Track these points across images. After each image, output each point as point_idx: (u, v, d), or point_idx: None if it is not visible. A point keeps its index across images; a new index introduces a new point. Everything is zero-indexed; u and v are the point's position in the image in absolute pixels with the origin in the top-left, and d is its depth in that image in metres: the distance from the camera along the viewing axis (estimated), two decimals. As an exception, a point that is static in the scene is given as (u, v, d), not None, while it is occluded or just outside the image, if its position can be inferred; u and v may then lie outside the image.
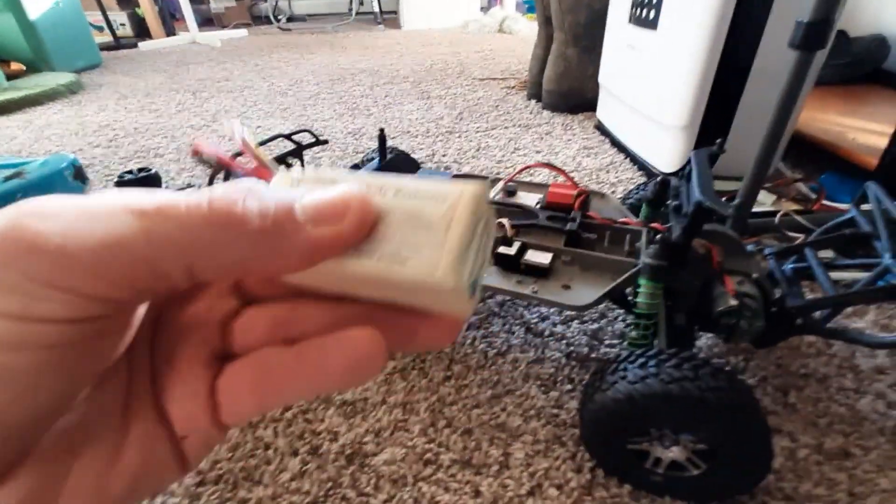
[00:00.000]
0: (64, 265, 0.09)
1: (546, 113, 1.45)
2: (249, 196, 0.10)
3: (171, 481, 0.13)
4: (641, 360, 0.40)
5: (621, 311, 0.65)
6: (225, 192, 0.10)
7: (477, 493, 0.45)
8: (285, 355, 0.13)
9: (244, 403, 0.13)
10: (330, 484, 0.46)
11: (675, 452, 0.41)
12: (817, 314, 0.48)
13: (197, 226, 0.10)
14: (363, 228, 0.11)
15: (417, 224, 0.12)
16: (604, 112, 1.26)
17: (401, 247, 0.11)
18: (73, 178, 0.90)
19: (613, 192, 0.98)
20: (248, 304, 0.14)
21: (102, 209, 0.10)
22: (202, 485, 0.46)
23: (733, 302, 0.46)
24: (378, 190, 0.12)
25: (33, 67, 1.97)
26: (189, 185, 0.91)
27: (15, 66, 1.93)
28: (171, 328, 0.13)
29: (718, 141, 0.55)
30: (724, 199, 0.69)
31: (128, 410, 0.12)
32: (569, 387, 0.55)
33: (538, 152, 1.18)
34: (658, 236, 0.48)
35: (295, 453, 0.49)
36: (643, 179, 1.02)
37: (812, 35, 0.51)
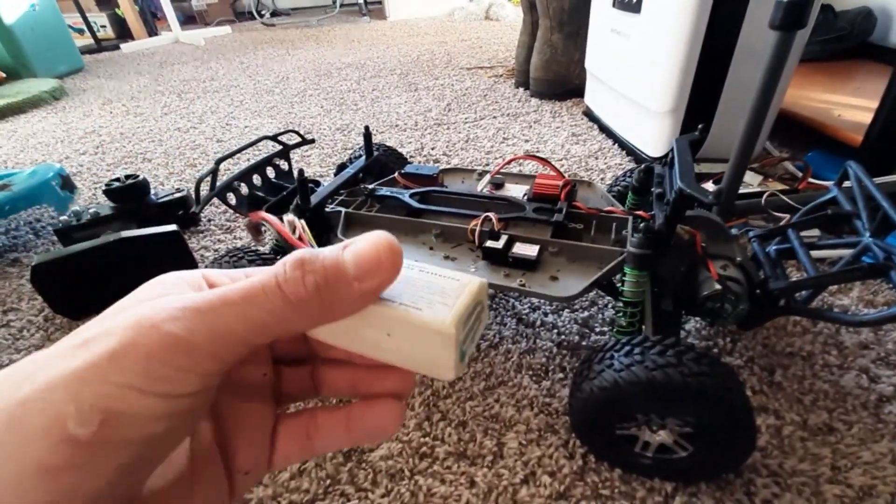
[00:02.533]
0: (193, 354, 0.12)
1: (534, 101, 1.45)
2: (308, 271, 0.13)
3: None
4: (627, 348, 0.41)
5: (611, 298, 0.66)
6: (290, 272, 0.13)
7: (472, 484, 0.46)
8: (335, 416, 0.17)
9: (295, 452, 0.17)
10: (329, 481, 0.47)
11: (662, 436, 0.43)
12: (800, 295, 0.49)
13: (279, 308, 0.13)
14: (395, 272, 0.14)
15: (434, 290, 0.15)
16: (591, 98, 1.26)
17: (419, 301, 0.15)
18: (62, 189, 0.90)
19: (602, 179, 0.98)
20: (279, 363, 0.18)
21: (207, 305, 0.13)
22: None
23: (717, 286, 0.47)
24: (409, 266, 0.16)
25: (14, 74, 1.94)
26: (178, 191, 0.91)
27: (-4, 74, 1.90)
28: (233, 388, 0.16)
29: (700, 127, 0.56)
30: (711, 180, 0.70)
31: (196, 455, 0.15)
32: (560, 375, 0.56)
33: (527, 141, 1.18)
34: (642, 224, 0.49)
35: (293, 452, 0.49)
36: (631, 165, 1.02)
37: (792, 15, 0.51)
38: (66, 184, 0.92)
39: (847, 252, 0.49)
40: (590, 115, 1.28)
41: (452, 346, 0.14)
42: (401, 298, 0.15)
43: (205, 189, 0.62)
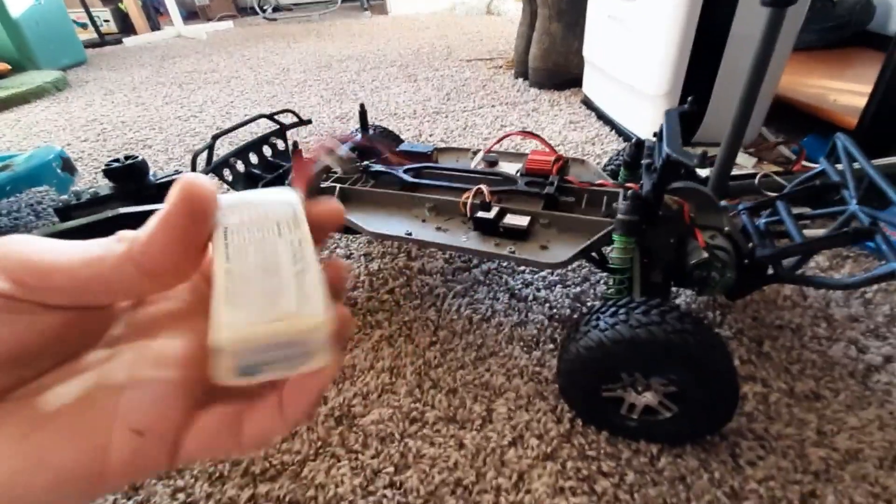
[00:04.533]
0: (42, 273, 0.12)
1: (533, 90, 1.45)
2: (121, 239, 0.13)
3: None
4: (612, 309, 0.41)
5: (604, 274, 0.67)
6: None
7: (461, 446, 0.47)
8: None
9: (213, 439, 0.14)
10: (320, 444, 0.48)
11: (647, 398, 0.43)
12: (788, 263, 0.50)
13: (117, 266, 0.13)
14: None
15: (273, 282, 0.13)
16: (589, 86, 1.26)
17: (245, 283, 0.13)
18: (62, 170, 0.91)
19: (598, 163, 0.98)
20: None
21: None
22: (197, 449, 0.48)
23: (705, 254, 0.47)
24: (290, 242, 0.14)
25: (19, 66, 1.96)
26: (177, 172, 0.92)
27: (0, 65, 1.92)
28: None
29: (690, 99, 0.56)
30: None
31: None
32: (551, 346, 0.57)
33: (525, 129, 1.18)
34: (630, 192, 0.49)
35: (286, 417, 0.50)
36: (623, 146, 1.03)
37: (782, -9, 0.51)
38: (67, 166, 0.93)
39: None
40: (588, 103, 1.28)
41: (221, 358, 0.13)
42: (237, 264, 0.13)
43: (201, 166, 0.63)
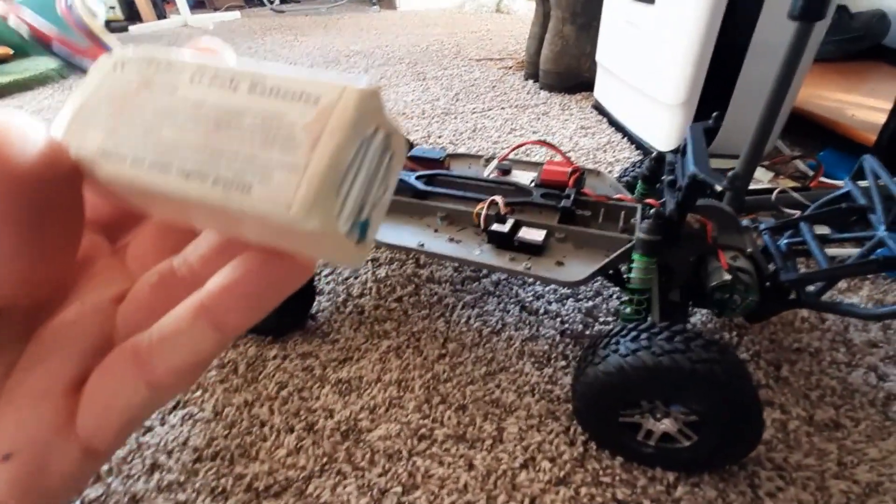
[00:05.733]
0: None
1: (543, 93, 1.43)
2: None
3: None
4: (633, 333, 0.40)
5: (616, 288, 0.65)
6: None
7: (471, 467, 0.45)
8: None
9: (123, 398, 0.10)
10: (325, 459, 0.46)
11: (666, 425, 0.42)
12: (811, 288, 0.48)
13: None
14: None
15: (273, 135, 0.08)
16: (601, 91, 1.25)
17: (246, 168, 0.08)
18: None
19: (611, 172, 0.97)
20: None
21: None
22: (199, 461, 0.47)
23: (727, 276, 0.46)
24: (227, 81, 0.09)
25: (22, 52, 1.93)
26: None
27: (2, 50, 1.89)
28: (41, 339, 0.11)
29: (715, 115, 0.55)
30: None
31: None
32: (563, 363, 0.55)
33: (535, 132, 1.17)
34: (652, 210, 0.48)
35: (291, 430, 0.49)
36: (640, 158, 1.01)
37: (811, 4, 0.50)
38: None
39: (857, 250, 0.48)
40: (599, 108, 1.26)
41: (321, 239, 0.09)
42: (214, 169, 0.09)
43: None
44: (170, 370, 0.10)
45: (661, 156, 0.59)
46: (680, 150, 0.55)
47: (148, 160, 0.09)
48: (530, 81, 1.54)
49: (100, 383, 0.11)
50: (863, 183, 0.55)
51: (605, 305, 0.64)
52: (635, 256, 0.47)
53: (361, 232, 0.09)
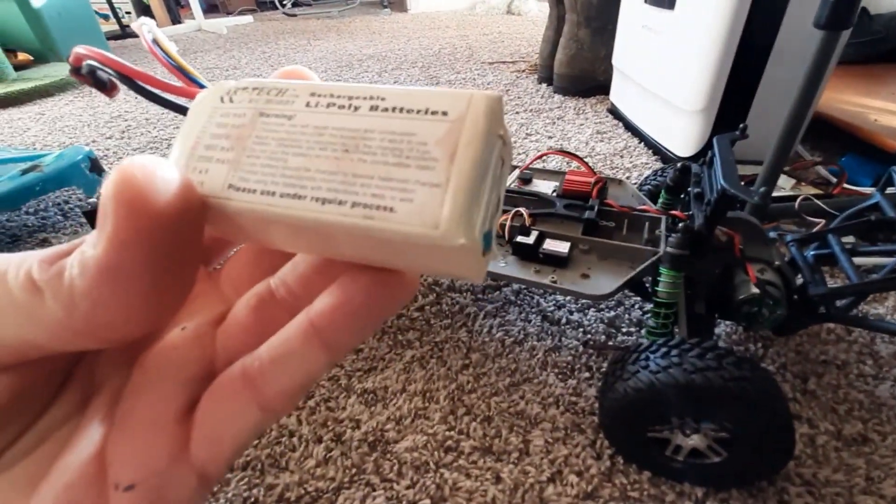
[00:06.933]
0: None
1: (557, 97, 1.43)
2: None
3: None
4: (664, 349, 0.40)
5: (638, 298, 0.65)
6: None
7: (498, 480, 0.46)
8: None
9: (238, 423, 0.11)
10: (354, 470, 0.47)
11: (695, 440, 0.42)
12: (840, 302, 0.48)
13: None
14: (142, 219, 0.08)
15: (406, 154, 0.08)
16: (617, 95, 1.24)
17: (383, 189, 0.08)
18: (90, 171, 0.91)
19: (628, 178, 0.97)
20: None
21: None
22: (231, 471, 0.47)
23: (755, 290, 0.45)
24: (346, 104, 0.09)
25: (41, 58, 1.97)
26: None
27: (22, 56, 1.93)
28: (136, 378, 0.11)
29: (742, 126, 0.54)
30: (742, 183, 0.69)
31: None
32: (587, 374, 0.55)
33: (550, 137, 1.17)
34: (679, 224, 0.48)
35: (319, 440, 0.50)
36: (658, 164, 1.01)
37: (838, 13, 0.49)
38: (95, 167, 0.93)
39: (884, 260, 0.48)
40: (615, 112, 1.26)
41: (461, 254, 0.08)
42: (350, 193, 0.08)
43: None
44: (281, 392, 0.10)
45: (686, 166, 0.59)
46: (706, 162, 0.55)
47: (279, 190, 0.09)
48: (544, 85, 1.53)
49: (212, 409, 0.11)
50: (891, 189, 0.54)
51: (627, 316, 0.64)
52: (662, 270, 0.47)
53: (486, 243, 0.09)
